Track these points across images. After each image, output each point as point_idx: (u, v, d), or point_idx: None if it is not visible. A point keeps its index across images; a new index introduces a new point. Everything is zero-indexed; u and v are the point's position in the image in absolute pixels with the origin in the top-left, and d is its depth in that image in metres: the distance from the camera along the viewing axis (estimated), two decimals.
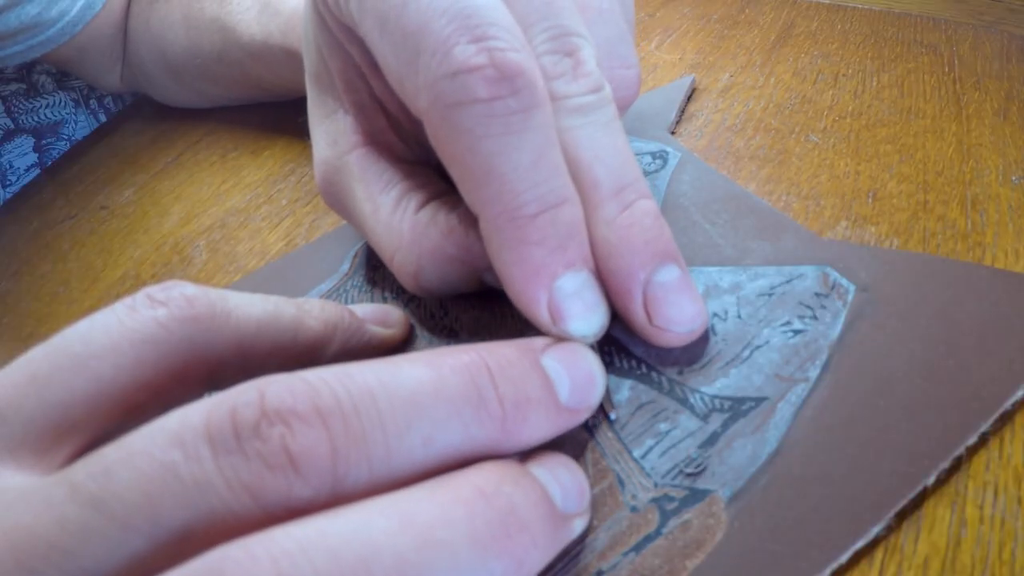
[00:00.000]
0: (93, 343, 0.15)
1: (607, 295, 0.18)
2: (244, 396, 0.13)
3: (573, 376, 0.16)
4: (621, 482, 0.17)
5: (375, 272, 0.25)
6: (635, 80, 0.21)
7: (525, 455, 0.16)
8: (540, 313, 0.17)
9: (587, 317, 0.17)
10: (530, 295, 0.17)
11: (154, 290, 0.16)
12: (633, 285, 0.18)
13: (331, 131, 0.22)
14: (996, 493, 0.16)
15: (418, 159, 0.23)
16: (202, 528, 0.12)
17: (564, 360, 0.16)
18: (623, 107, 0.21)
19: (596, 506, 0.17)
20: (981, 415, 0.17)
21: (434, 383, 0.14)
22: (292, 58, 0.31)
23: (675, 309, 0.18)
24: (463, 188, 0.17)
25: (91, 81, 0.43)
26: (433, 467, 0.14)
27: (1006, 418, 0.17)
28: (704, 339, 0.20)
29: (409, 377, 0.14)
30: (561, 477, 0.15)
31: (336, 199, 0.23)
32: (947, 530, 0.16)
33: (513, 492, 0.14)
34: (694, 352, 0.19)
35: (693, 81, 0.33)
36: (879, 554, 0.15)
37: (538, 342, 0.17)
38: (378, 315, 0.21)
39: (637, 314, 0.18)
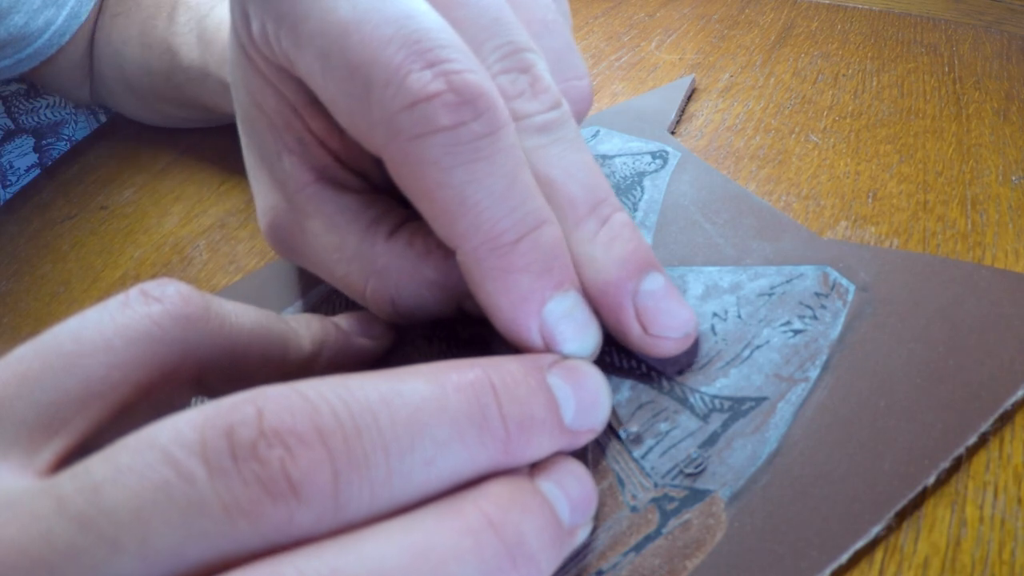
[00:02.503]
0: (84, 341, 0.14)
1: (596, 312, 0.18)
2: (240, 413, 0.12)
3: (579, 397, 0.16)
4: (621, 482, 0.17)
5: None
6: (588, 91, 0.21)
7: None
8: (533, 341, 0.16)
9: (581, 338, 0.17)
10: (521, 324, 0.16)
11: (149, 285, 0.16)
12: (624, 298, 0.18)
13: (275, 173, 0.21)
14: (996, 493, 0.16)
15: (374, 189, 0.21)
16: (195, 552, 0.12)
17: (571, 379, 0.16)
18: (578, 120, 0.21)
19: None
20: (981, 415, 0.17)
21: (437, 401, 0.14)
22: (227, 91, 0.29)
23: (668, 316, 0.18)
24: (436, 223, 0.17)
25: (63, 95, 0.41)
26: (434, 489, 0.14)
27: (1006, 418, 0.17)
28: (704, 339, 0.20)
29: (411, 394, 0.14)
30: (570, 489, 0.15)
31: (289, 243, 0.21)
32: (947, 530, 0.16)
33: (521, 519, 0.13)
34: (694, 352, 0.19)
35: (693, 81, 0.33)
36: (879, 554, 0.15)
37: (545, 359, 0.16)
38: (363, 325, 0.21)
39: (631, 326, 0.18)
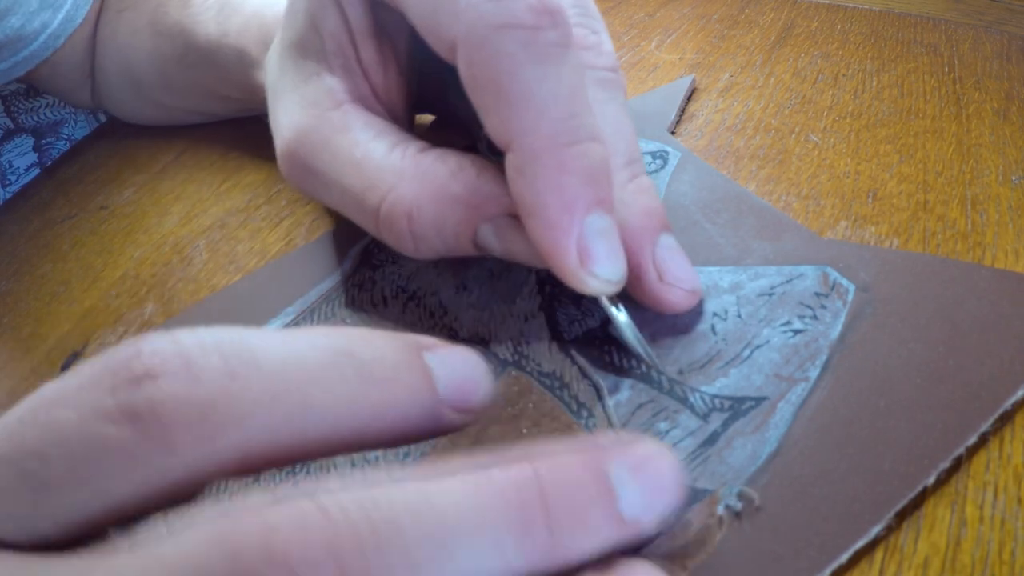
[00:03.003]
0: (51, 461, 0.12)
1: None
2: (246, 529, 0.11)
3: (646, 490, 0.13)
4: None
5: (375, 272, 0.25)
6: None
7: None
8: (568, 248, 0.17)
9: (611, 261, 0.17)
10: (563, 229, 0.17)
11: (121, 373, 0.12)
12: (647, 242, 0.19)
13: (311, 93, 0.21)
14: (996, 493, 0.16)
15: (405, 126, 0.22)
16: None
17: (639, 473, 0.13)
18: None
19: None
20: (981, 415, 0.17)
21: (474, 509, 0.12)
22: (243, 60, 0.30)
23: (680, 268, 0.20)
24: (497, 115, 0.17)
25: (63, 98, 0.41)
26: None
27: (1006, 418, 0.17)
28: (704, 339, 0.20)
29: (444, 501, 0.12)
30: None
31: (308, 159, 0.21)
32: (947, 530, 0.16)
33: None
34: (694, 351, 0.20)
35: (693, 81, 0.33)
36: (879, 554, 0.15)
37: (608, 448, 0.13)
38: (464, 385, 0.14)
39: (649, 270, 0.19)
